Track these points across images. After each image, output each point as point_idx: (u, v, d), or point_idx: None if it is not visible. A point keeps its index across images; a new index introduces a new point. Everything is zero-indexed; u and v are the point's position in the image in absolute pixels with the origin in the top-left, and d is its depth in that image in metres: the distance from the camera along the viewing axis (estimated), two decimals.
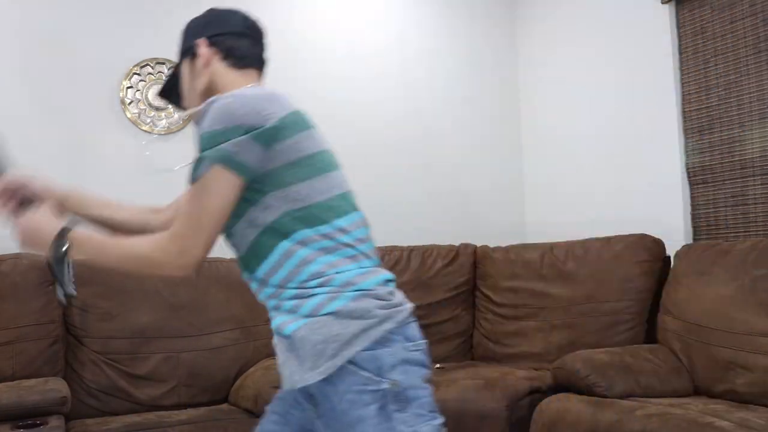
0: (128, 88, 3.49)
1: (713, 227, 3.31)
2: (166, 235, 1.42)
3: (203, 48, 1.58)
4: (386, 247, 3.71)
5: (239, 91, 1.44)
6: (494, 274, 3.64)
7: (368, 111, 4.02)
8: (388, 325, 1.39)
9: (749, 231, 3.15)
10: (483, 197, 4.25)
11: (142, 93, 3.52)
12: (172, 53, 3.78)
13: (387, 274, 1.49)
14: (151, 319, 3.06)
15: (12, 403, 2.43)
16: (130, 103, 3.50)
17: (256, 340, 3.22)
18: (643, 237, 3.27)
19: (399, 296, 1.48)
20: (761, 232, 3.10)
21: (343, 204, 1.50)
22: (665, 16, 3.47)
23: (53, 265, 1.41)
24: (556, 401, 2.68)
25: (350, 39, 4.02)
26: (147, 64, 3.53)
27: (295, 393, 1.51)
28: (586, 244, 3.42)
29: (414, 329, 1.46)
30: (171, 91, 1.70)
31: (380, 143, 4.05)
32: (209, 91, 1.57)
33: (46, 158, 3.34)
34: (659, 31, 3.49)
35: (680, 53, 3.44)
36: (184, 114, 1.65)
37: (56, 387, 2.57)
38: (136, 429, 2.63)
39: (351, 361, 1.36)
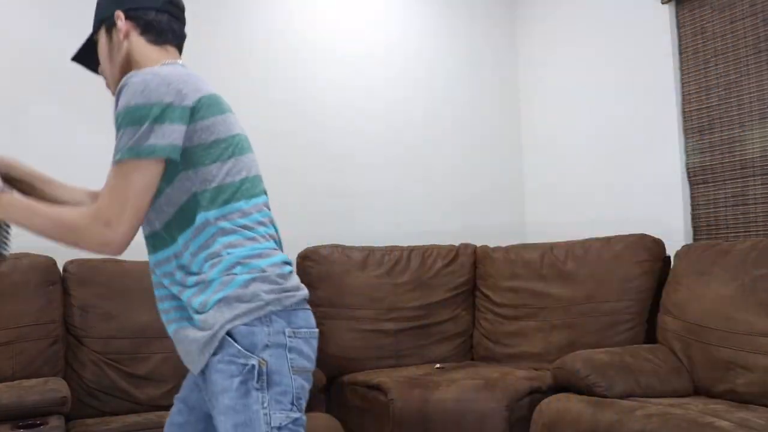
0: None
1: (713, 227, 3.31)
2: (94, 207, 1.41)
3: (121, 20, 1.58)
4: (386, 247, 3.71)
5: (156, 69, 1.45)
6: (494, 274, 3.64)
7: (368, 111, 4.02)
8: (272, 308, 1.44)
9: (749, 231, 3.15)
10: (483, 197, 4.25)
11: None
12: None
13: (282, 256, 1.52)
14: (151, 319, 3.05)
15: (12, 403, 2.43)
16: None
17: None
18: (643, 237, 3.27)
19: (293, 281, 1.51)
20: (761, 232, 3.10)
21: (250, 187, 1.52)
22: (665, 16, 3.47)
23: None
24: (556, 401, 2.68)
25: (350, 39, 4.02)
26: None
27: (194, 376, 1.57)
28: (586, 244, 3.42)
29: (303, 317, 1.50)
30: (86, 57, 1.71)
31: (380, 143, 4.05)
32: (127, 64, 1.59)
33: (46, 158, 3.35)
34: (659, 31, 3.49)
35: (680, 53, 3.44)
36: (112, 88, 1.63)
37: (56, 387, 2.57)
38: (136, 429, 2.63)
39: (229, 333, 1.41)
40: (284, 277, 1.49)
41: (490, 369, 3.22)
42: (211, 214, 1.45)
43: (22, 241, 3.11)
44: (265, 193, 1.58)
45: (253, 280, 1.44)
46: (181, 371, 3.03)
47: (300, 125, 3.86)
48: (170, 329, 1.54)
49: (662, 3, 3.46)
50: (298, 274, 3.58)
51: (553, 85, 4.15)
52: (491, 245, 3.82)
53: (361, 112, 4.01)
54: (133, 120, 1.38)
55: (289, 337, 1.45)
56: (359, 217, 3.94)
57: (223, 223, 1.46)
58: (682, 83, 3.43)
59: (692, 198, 3.41)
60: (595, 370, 2.71)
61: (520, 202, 4.35)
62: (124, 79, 1.44)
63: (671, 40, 3.45)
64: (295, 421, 1.44)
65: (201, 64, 3.65)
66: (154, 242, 1.52)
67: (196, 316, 1.45)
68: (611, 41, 3.79)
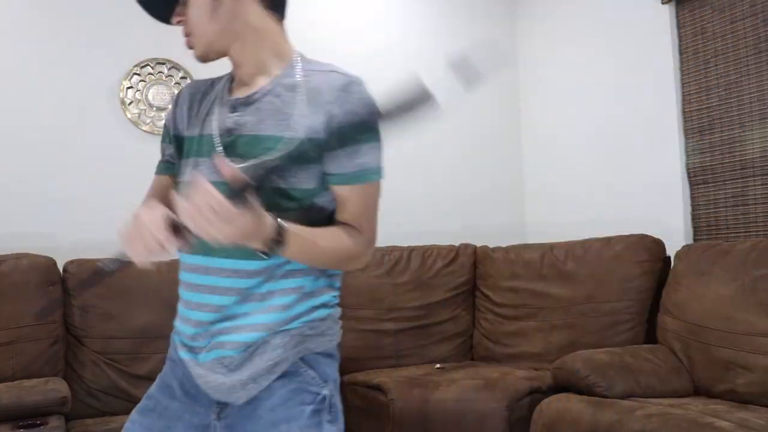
0: (128, 88, 3.49)
1: (713, 227, 3.31)
2: (366, 235, 1.41)
3: None
4: (386, 247, 3.71)
5: (362, 79, 1.33)
6: (494, 274, 3.64)
7: None
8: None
9: (749, 231, 3.15)
10: (483, 197, 4.25)
11: (142, 93, 3.52)
12: (173, 53, 3.80)
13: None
14: (151, 319, 3.06)
15: (12, 403, 2.43)
16: (130, 103, 3.50)
17: None
18: (643, 237, 3.27)
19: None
20: (761, 233, 3.10)
21: None
22: (665, 16, 3.47)
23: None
24: (556, 401, 2.68)
25: (350, 39, 4.02)
26: (147, 64, 3.53)
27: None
28: (586, 244, 3.42)
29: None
30: (160, 3, 1.38)
31: None
32: (235, 26, 1.33)
33: (46, 158, 3.35)
34: (659, 31, 3.49)
35: (680, 53, 3.44)
36: (197, 50, 1.37)
37: (56, 387, 2.57)
38: None
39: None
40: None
41: (490, 369, 3.22)
42: None
43: (22, 241, 3.12)
44: None
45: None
46: None
47: None
48: None
49: (662, 3, 3.46)
50: None
51: (553, 85, 4.15)
52: (491, 245, 3.82)
53: None
54: (379, 137, 1.32)
55: None
56: None
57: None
58: (682, 83, 3.43)
59: (692, 198, 3.41)
60: (595, 370, 2.71)
61: (520, 202, 4.35)
62: (349, 79, 1.33)
63: (671, 40, 3.45)
64: None
65: (202, 67, 3.66)
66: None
67: None
68: (611, 41, 3.79)
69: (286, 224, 1.21)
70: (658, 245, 3.25)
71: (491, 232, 4.13)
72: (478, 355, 3.61)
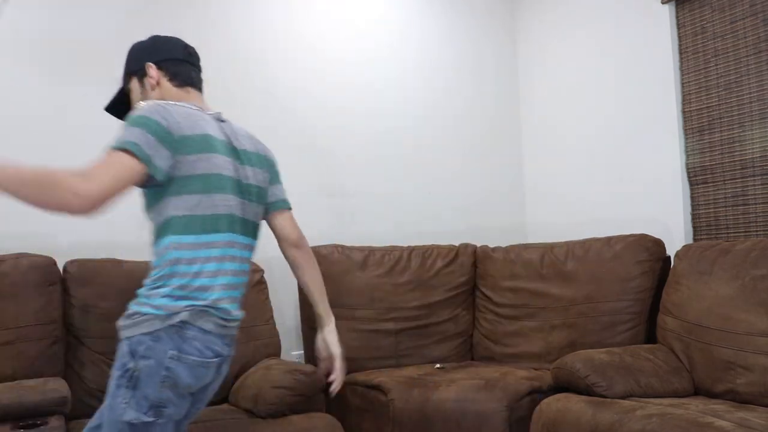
0: None
1: (713, 227, 3.31)
2: (78, 175, 1.54)
3: (153, 71, 1.93)
4: (386, 247, 3.71)
5: (168, 103, 1.78)
6: (494, 274, 3.64)
7: (368, 111, 4.02)
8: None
9: (749, 231, 3.15)
10: (483, 197, 4.25)
11: None
12: None
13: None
14: None
15: (12, 403, 2.43)
16: None
17: (256, 340, 3.22)
18: (643, 237, 3.27)
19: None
20: (761, 232, 3.10)
21: (217, 224, 1.78)
22: (665, 16, 3.47)
23: None
24: (556, 401, 2.68)
25: (350, 39, 4.02)
26: None
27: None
28: (586, 244, 3.42)
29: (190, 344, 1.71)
30: (116, 107, 2.03)
31: (380, 143, 4.05)
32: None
33: (47, 158, 3.35)
34: (659, 31, 3.49)
35: (680, 53, 3.44)
36: None
37: (56, 387, 2.57)
38: None
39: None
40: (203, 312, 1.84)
41: (490, 369, 3.22)
42: (177, 239, 1.82)
43: (22, 241, 3.12)
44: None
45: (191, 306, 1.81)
46: None
47: (300, 125, 3.86)
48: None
49: (662, 3, 3.46)
50: None
51: (553, 85, 4.16)
52: (491, 245, 3.82)
53: (362, 112, 4.01)
54: (135, 124, 1.74)
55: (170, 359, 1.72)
56: (359, 217, 3.94)
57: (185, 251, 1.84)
58: (682, 83, 3.43)
59: (692, 198, 3.41)
60: (595, 370, 2.71)
61: (520, 202, 4.36)
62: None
63: (671, 40, 3.45)
64: (143, 421, 1.66)
65: (202, 66, 3.66)
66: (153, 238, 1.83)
67: None
68: (611, 41, 3.79)
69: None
70: (658, 245, 3.25)
71: (491, 232, 4.14)
72: (478, 355, 3.61)
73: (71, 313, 2.98)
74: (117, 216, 3.46)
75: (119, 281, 3.08)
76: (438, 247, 3.77)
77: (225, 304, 1.79)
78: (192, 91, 1.98)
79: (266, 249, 3.69)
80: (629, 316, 3.18)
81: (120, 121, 1.97)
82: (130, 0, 3.55)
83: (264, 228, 3.78)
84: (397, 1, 4.18)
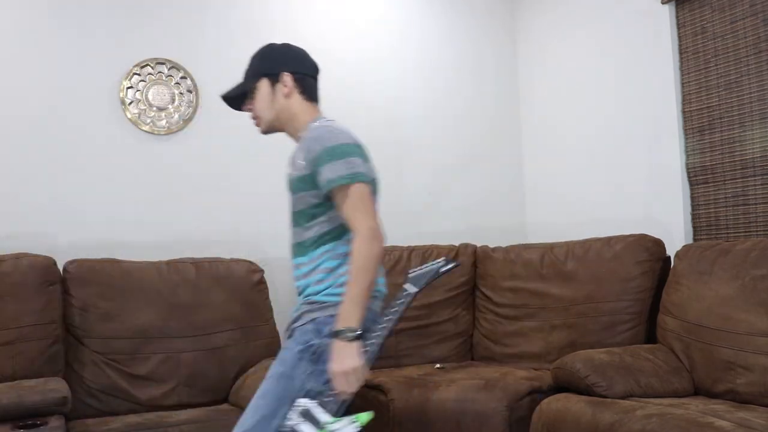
0: (128, 88, 3.49)
1: (713, 227, 3.31)
2: (361, 233, 1.89)
3: (289, 80, 2.08)
4: (386, 247, 3.68)
5: (334, 124, 2.04)
6: (494, 274, 3.64)
7: (368, 111, 4.02)
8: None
9: (749, 231, 3.15)
10: (483, 197, 4.25)
11: (142, 93, 3.52)
12: (172, 53, 3.79)
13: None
14: (151, 319, 3.06)
15: (12, 403, 2.43)
16: (130, 103, 3.50)
17: (256, 340, 3.22)
18: (643, 237, 3.27)
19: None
20: (761, 232, 3.09)
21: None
22: (665, 16, 3.47)
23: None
24: (556, 401, 2.68)
25: (349, 39, 4.02)
26: (147, 64, 3.53)
27: None
28: (586, 244, 3.42)
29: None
30: (235, 98, 2.15)
31: (380, 143, 4.04)
32: (285, 112, 2.09)
33: (47, 158, 3.35)
34: (659, 31, 3.49)
35: (680, 53, 3.44)
36: (261, 127, 2.15)
37: (56, 387, 2.57)
38: (136, 429, 2.63)
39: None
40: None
41: (490, 369, 3.22)
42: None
43: (22, 241, 3.12)
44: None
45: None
46: (181, 371, 3.03)
47: None
48: None
49: (662, 3, 3.46)
50: None
51: (553, 86, 4.15)
52: (491, 245, 3.81)
53: (361, 112, 4.00)
54: (338, 155, 1.94)
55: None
56: None
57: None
58: (682, 83, 3.43)
59: (692, 198, 3.41)
60: (595, 370, 2.71)
61: (520, 203, 4.35)
62: (314, 130, 2.00)
63: (671, 40, 3.45)
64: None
65: (202, 66, 3.66)
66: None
67: None
68: (611, 41, 3.78)
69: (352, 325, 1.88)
70: (658, 245, 3.25)
71: (491, 232, 4.13)
72: (478, 355, 3.61)
73: (71, 313, 2.98)
74: (117, 216, 3.46)
75: (119, 281, 3.08)
76: (438, 247, 3.77)
77: (382, 287, 2.15)
78: (317, 107, 2.14)
79: (266, 249, 3.70)
80: (629, 316, 3.18)
81: (230, 107, 2.17)
82: (129, 1, 3.55)
83: (264, 228, 3.79)
84: (397, 1, 4.18)
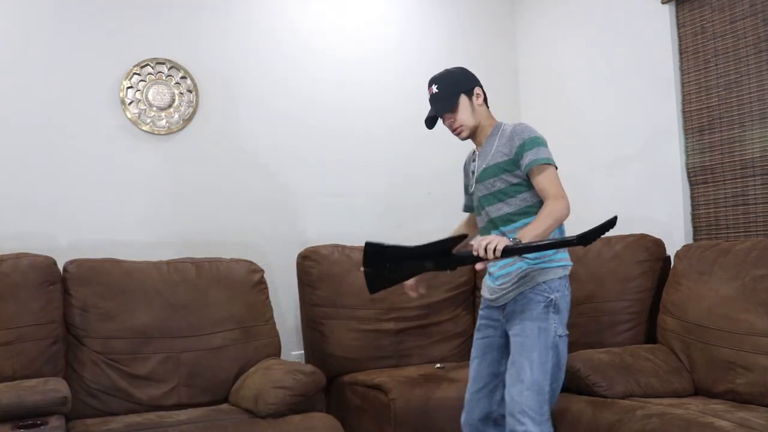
0: (128, 88, 3.49)
1: (713, 227, 3.31)
2: (555, 197, 2.34)
3: (481, 92, 2.59)
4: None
5: (523, 123, 2.55)
6: None
7: (368, 111, 4.02)
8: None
9: (749, 231, 3.15)
10: None
11: (142, 93, 3.52)
12: (172, 53, 3.79)
13: None
14: (151, 319, 3.06)
15: (12, 403, 2.43)
16: (130, 103, 3.50)
17: (256, 340, 3.22)
18: (643, 237, 3.27)
19: None
20: (761, 232, 3.09)
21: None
22: (665, 16, 3.47)
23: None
24: (557, 401, 2.68)
25: (349, 40, 4.02)
26: (147, 64, 3.53)
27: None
28: None
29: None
30: (431, 119, 2.65)
31: (380, 143, 4.04)
32: (480, 117, 2.57)
33: (47, 158, 3.35)
34: (659, 31, 3.49)
35: (680, 53, 3.44)
36: (464, 133, 2.61)
37: (57, 387, 2.57)
38: (137, 429, 2.63)
39: None
40: None
41: None
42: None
43: (22, 241, 3.12)
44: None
45: None
46: (181, 371, 3.03)
47: (300, 126, 3.86)
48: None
49: (662, 3, 3.46)
50: (299, 273, 3.59)
51: (553, 86, 4.15)
52: None
53: (361, 112, 4.01)
54: (541, 143, 2.44)
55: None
56: (359, 217, 3.94)
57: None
58: (682, 83, 3.43)
59: (692, 198, 3.41)
60: (596, 370, 2.71)
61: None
62: (516, 126, 2.50)
63: (671, 40, 3.45)
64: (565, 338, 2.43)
65: (202, 66, 3.66)
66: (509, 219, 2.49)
67: None
68: (611, 41, 3.78)
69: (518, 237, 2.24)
70: (658, 245, 3.25)
71: None
72: None
73: (71, 313, 2.98)
74: (117, 216, 3.46)
75: (119, 281, 3.08)
76: None
77: (569, 262, 2.53)
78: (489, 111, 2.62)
79: (266, 249, 3.70)
80: (629, 316, 3.18)
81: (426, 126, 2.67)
82: (129, 1, 3.55)
83: (264, 228, 3.79)
84: (397, 1, 4.18)
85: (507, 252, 2.16)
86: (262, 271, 3.39)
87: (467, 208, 2.89)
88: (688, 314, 2.85)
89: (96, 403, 2.90)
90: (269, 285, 3.41)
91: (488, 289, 2.60)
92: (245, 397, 2.90)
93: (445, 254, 2.36)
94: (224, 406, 3.00)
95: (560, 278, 2.42)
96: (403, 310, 3.57)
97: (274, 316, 3.36)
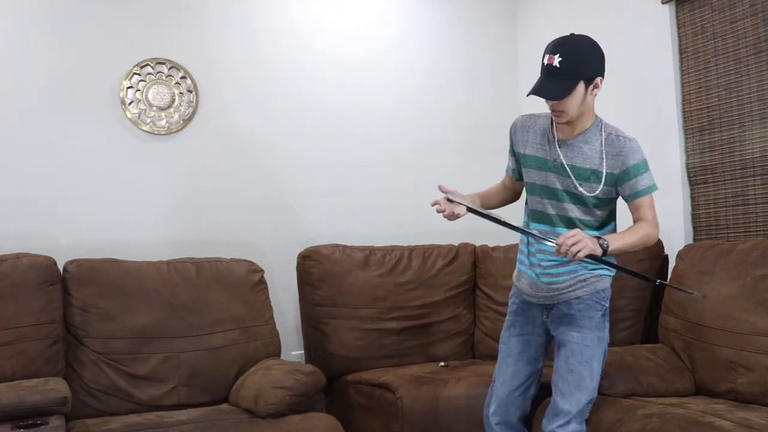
0: (128, 88, 3.49)
1: (713, 227, 3.31)
2: (654, 225, 2.36)
3: (600, 86, 2.37)
4: (387, 247, 3.72)
5: (625, 132, 2.44)
6: (494, 273, 3.64)
7: (368, 111, 4.02)
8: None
9: (749, 231, 3.15)
10: None
11: (142, 93, 3.52)
12: (172, 53, 3.79)
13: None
14: (151, 319, 3.06)
15: (12, 403, 2.42)
16: (130, 103, 3.50)
17: (256, 340, 3.21)
18: None
19: None
20: (761, 233, 3.09)
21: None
22: (665, 16, 3.47)
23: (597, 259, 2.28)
24: None
25: (349, 40, 4.02)
26: (147, 64, 3.53)
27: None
28: None
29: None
30: (546, 89, 2.31)
31: (380, 143, 4.05)
32: (585, 109, 2.37)
33: (47, 158, 3.34)
34: (659, 31, 3.49)
35: (680, 53, 3.44)
36: (563, 119, 2.36)
37: (57, 387, 2.57)
38: (137, 429, 2.62)
39: None
40: None
41: (492, 367, 3.21)
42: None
43: (22, 241, 3.12)
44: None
45: None
46: (181, 371, 3.03)
47: (300, 126, 3.86)
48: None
49: (662, 3, 3.46)
50: (299, 273, 3.59)
51: None
52: (491, 245, 3.81)
53: (361, 112, 4.01)
54: (647, 169, 2.37)
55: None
56: (359, 217, 3.94)
57: None
58: (682, 83, 3.43)
59: (692, 198, 3.41)
60: None
61: (520, 202, 4.34)
62: (627, 142, 2.38)
63: (671, 40, 3.45)
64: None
65: (202, 66, 3.66)
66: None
67: None
68: (611, 41, 3.77)
69: (607, 241, 2.27)
70: (657, 245, 3.24)
71: (491, 231, 4.11)
72: (479, 353, 3.61)
73: (71, 313, 2.98)
74: (117, 216, 3.46)
75: (119, 281, 3.08)
76: (438, 246, 3.77)
77: (612, 273, 2.53)
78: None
79: (266, 249, 3.70)
80: (628, 314, 3.18)
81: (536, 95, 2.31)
82: (130, 1, 3.55)
83: (264, 228, 3.79)
84: (397, 1, 4.18)
85: (587, 257, 2.23)
86: (262, 271, 3.38)
87: (513, 172, 2.69)
88: (690, 314, 2.85)
89: (96, 403, 2.90)
90: (269, 285, 3.41)
91: (530, 284, 2.51)
92: (245, 397, 2.89)
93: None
94: (224, 406, 2.99)
95: (610, 287, 2.49)
96: (404, 309, 3.57)
97: (274, 316, 3.36)
